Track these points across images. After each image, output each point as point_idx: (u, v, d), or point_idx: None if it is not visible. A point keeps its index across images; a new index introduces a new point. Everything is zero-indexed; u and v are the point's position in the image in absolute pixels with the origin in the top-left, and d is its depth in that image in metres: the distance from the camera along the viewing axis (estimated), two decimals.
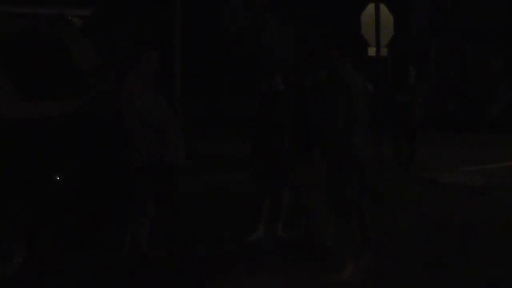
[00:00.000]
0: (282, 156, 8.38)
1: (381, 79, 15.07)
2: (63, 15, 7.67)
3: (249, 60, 26.07)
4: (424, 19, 27.26)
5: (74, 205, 7.05)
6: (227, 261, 7.73)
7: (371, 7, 14.86)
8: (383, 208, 10.01)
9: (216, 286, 6.99)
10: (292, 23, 27.04)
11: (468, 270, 7.26)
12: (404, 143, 13.82)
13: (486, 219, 9.59)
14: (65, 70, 7.22)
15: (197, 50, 25.03)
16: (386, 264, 7.30)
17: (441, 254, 7.84)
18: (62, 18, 7.53)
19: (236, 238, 8.53)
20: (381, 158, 14.28)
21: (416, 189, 11.96)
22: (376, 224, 7.40)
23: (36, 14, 8.76)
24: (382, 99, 14.81)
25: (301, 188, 8.16)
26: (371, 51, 14.92)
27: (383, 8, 14.83)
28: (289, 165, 8.37)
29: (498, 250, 8.00)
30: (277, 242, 8.42)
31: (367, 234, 7.07)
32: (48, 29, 7.29)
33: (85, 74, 7.23)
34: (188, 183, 10.56)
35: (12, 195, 6.73)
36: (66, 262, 7.24)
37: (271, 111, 8.45)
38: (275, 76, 8.56)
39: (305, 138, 8.09)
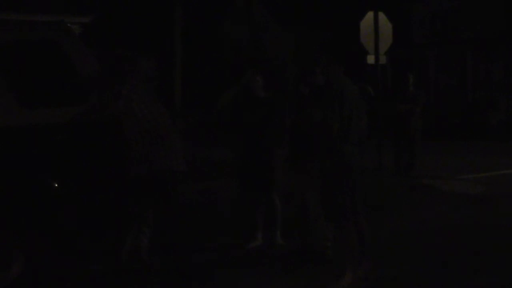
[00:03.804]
0: (268, 164, 8.31)
1: (380, 87, 15.11)
2: (62, 22, 7.68)
3: (249, 67, 26.06)
4: (423, 27, 27.29)
5: (73, 213, 7.05)
6: (227, 268, 7.72)
7: (370, 15, 14.91)
8: (383, 215, 10.01)
9: None
10: (292, 31, 27.07)
11: (468, 278, 7.26)
12: (404, 150, 13.83)
13: (486, 227, 9.58)
14: (64, 78, 7.23)
15: (197, 57, 25.05)
16: (385, 272, 7.29)
17: (441, 262, 7.83)
18: (62, 26, 7.54)
19: (236, 245, 8.52)
20: (381, 166, 14.29)
21: (416, 196, 11.94)
22: (376, 231, 7.39)
23: (36, 22, 8.79)
24: (382, 107, 14.83)
25: (301, 196, 8.14)
26: (370, 59, 14.98)
27: (382, 16, 14.87)
28: (288, 173, 8.34)
29: (498, 258, 8.00)
30: (277, 250, 8.41)
31: (365, 242, 7.07)
32: (48, 36, 7.30)
33: (84, 81, 7.24)
34: (188, 190, 10.57)
35: (11, 202, 6.72)
36: (65, 270, 7.23)
37: (254, 120, 8.40)
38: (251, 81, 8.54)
39: (304, 146, 8.07)
